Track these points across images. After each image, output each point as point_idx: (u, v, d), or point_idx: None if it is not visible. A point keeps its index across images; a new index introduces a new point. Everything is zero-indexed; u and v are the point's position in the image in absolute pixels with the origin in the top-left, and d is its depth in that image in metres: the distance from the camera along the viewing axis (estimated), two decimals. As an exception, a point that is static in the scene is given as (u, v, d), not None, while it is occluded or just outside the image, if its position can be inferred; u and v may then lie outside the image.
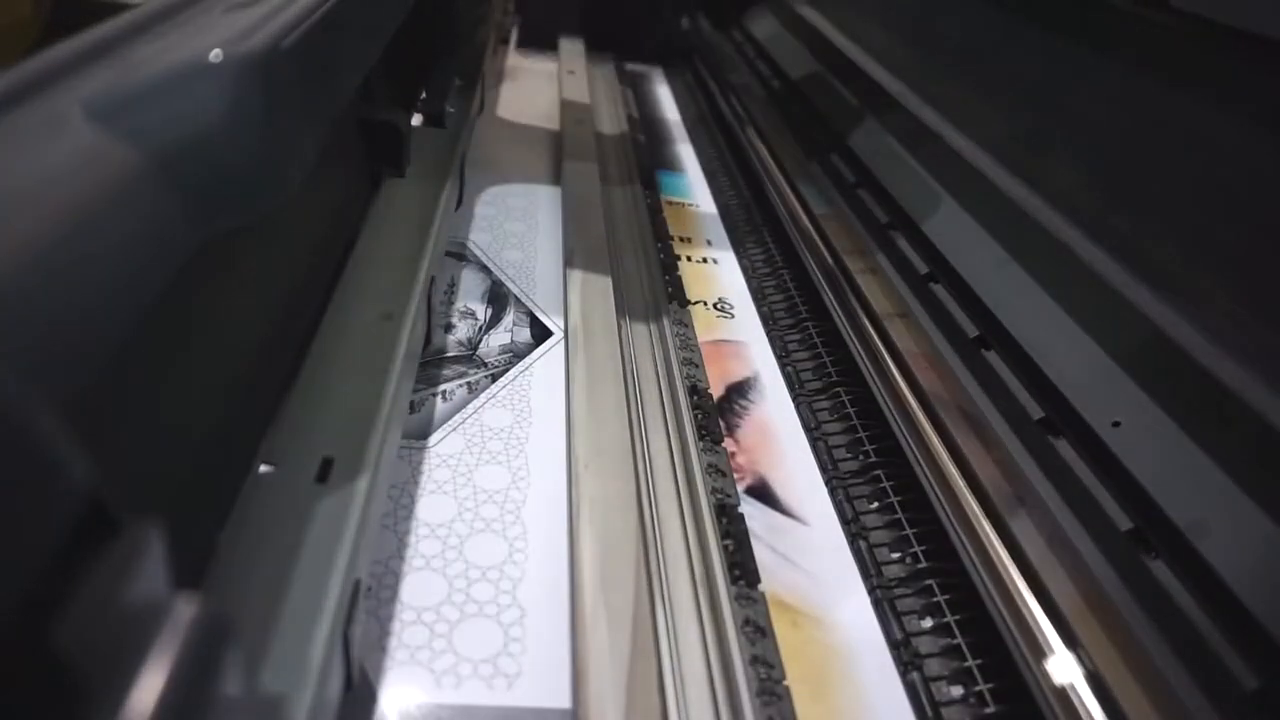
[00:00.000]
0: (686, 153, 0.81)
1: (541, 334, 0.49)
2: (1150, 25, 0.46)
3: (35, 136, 0.18)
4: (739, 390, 0.47)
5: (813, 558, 0.37)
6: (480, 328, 0.49)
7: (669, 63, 1.06)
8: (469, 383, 0.44)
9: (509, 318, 0.50)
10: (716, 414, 0.44)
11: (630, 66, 1.02)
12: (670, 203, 0.69)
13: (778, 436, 0.44)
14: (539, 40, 1.00)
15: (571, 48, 0.97)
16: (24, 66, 0.20)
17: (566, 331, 0.48)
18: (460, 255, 0.55)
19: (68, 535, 0.14)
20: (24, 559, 0.13)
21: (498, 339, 0.48)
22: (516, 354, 0.47)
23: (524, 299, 0.52)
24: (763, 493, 0.40)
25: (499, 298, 0.52)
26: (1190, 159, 0.42)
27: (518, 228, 0.60)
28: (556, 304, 0.52)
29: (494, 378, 0.45)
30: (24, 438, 0.13)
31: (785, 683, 0.31)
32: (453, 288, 0.52)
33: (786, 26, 0.94)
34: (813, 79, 0.81)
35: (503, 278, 0.54)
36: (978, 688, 0.32)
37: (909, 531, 0.39)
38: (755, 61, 0.93)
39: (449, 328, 0.48)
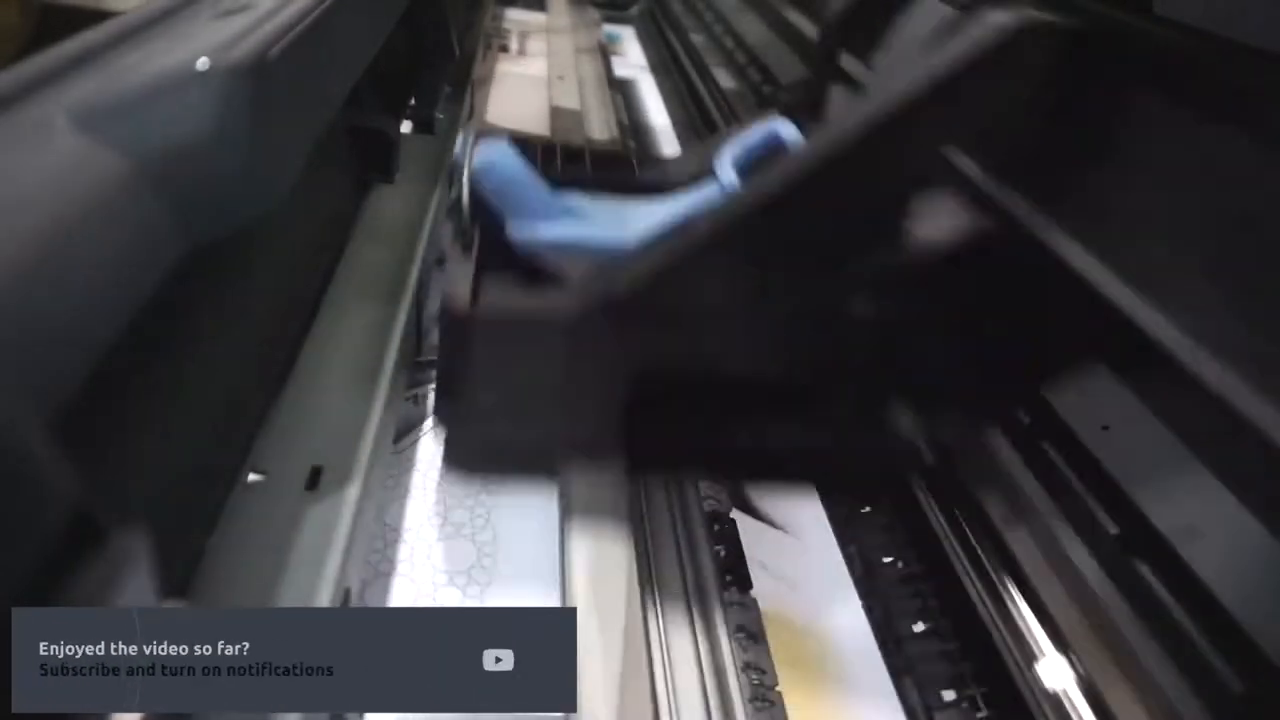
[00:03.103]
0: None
1: None
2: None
3: (21, 144, 0.18)
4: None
5: (795, 565, 0.37)
6: None
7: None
8: None
9: None
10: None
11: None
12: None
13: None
14: None
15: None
16: (10, 73, 0.20)
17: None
18: (440, 259, 0.55)
19: (55, 545, 0.14)
20: (10, 569, 0.13)
21: None
22: None
23: None
24: (741, 498, 0.40)
25: None
26: (1179, 160, 0.42)
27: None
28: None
29: None
30: (8, 448, 0.13)
31: (777, 688, 0.31)
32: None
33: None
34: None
35: None
36: (969, 692, 0.32)
37: (900, 536, 0.39)
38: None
39: (425, 332, 0.48)
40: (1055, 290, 0.31)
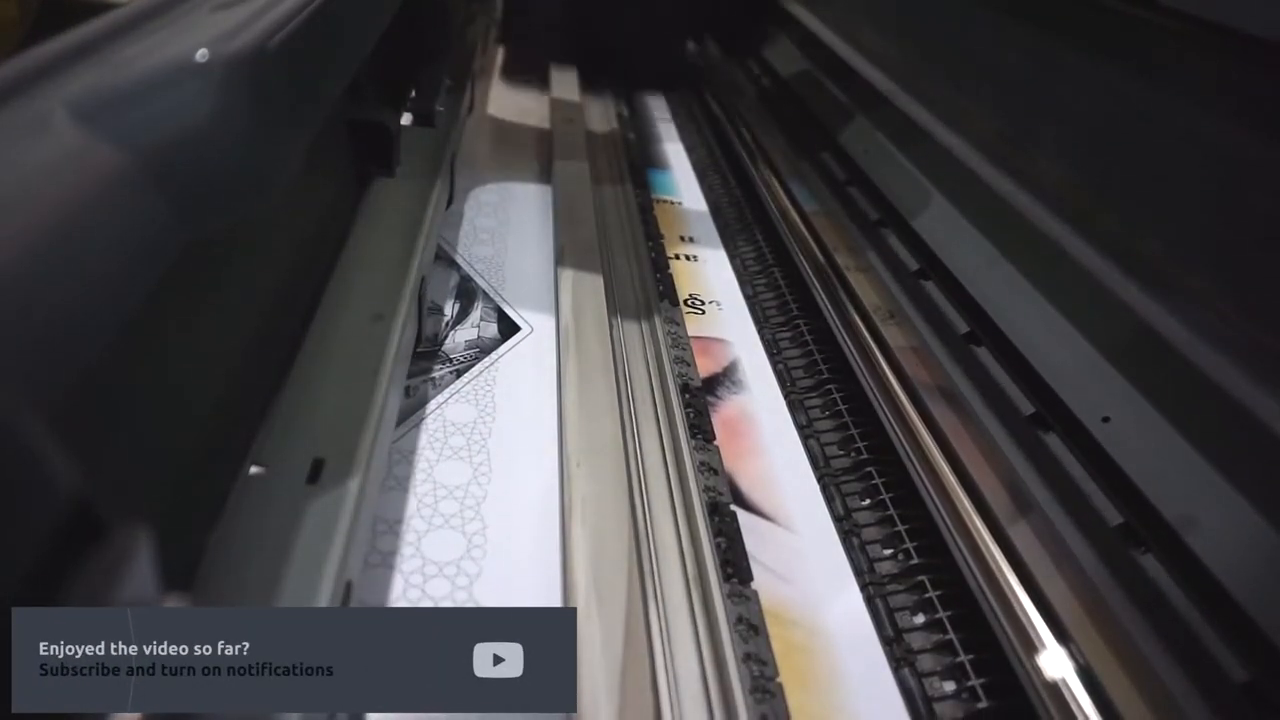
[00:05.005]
0: (674, 150, 0.81)
1: (509, 329, 0.49)
2: (1137, 22, 0.46)
3: (19, 137, 0.18)
4: (708, 387, 0.47)
5: (786, 558, 0.37)
6: (447, 323, 0.49)
7: (672, 90, 0.97)
8: (433, 378, 0.44)
9: (476, 313, 0.50)
10: (708, 412, 0.44)
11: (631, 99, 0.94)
12: (656, 200, 0.69)
13: (746, 433, 0.44)
14: (526, 69, 0.91)
15: (564, 78, 0.89)
16: (8, 66, 0.19)
17: (558, 329, 0.47)
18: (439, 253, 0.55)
19: (55, 540, 0.14)
20: (11, 564, 0.13)
21: (464, 334, 0.48)
22: (483, 349, 0.47)
23: (492, 294, 0.52)
24: (732, 491, 0.40)
25: (466, 293, 0.52)
26: (1178, 155, 0.42)
27: (489, 223, 0.61)
28: (525, 300, 0.52)
29: (459, 373, 0.45)
30: (7, 443, 0.13)
31: (778, 680, 0.31)
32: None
33: (796, 42, 0.88)
34: (805, 78, 0.81)
35: (471, 273, 0.54)
36: (970, 683, 0.32)
37: (900, 528, 0.39)
38: (763, 81, 0.90)
39: (424, 325, 0.48)
40: None
